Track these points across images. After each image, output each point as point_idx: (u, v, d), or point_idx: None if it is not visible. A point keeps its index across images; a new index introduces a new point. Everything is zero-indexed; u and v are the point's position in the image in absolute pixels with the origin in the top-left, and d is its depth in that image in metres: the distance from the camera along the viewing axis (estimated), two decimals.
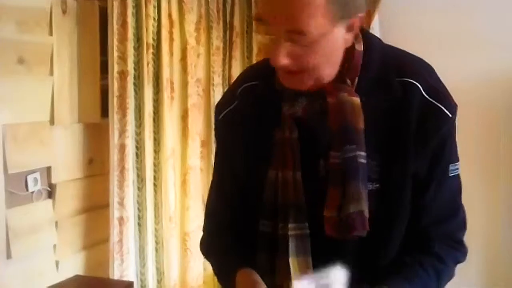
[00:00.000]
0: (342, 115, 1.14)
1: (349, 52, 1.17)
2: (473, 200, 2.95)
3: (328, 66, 1.13)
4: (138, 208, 2.90)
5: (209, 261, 1.38)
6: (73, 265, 2.65)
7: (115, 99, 2.76)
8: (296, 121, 1.17)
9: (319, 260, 1.16)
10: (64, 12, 2.59)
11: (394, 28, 3.20)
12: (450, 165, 1.23)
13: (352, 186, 1.13)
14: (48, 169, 2.52)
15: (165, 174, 2.99)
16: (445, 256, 1.25)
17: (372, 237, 1.16)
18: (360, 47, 1.20)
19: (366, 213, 1.13)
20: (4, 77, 2.27)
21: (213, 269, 1.36)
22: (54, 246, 2.55)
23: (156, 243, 2.99)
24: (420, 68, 1.24)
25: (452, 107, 1.21)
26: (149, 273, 2.95)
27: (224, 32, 3.47)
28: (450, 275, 1.29)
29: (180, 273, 3.15)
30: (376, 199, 1.16)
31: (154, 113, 2.96)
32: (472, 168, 2.97)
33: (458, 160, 1.26)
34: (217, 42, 3.43)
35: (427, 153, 1.19)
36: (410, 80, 1.18)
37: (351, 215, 1.12)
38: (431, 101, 1.18)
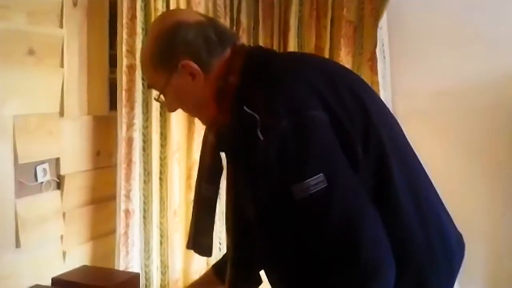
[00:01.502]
0: (214, 153, 1.56)
1: (222, 88, 1.32)
2: (474, 200, 2.99)
3: (198, 108, 1.42)
4: (143, 201, 2.92)
5: None
6: (80, 256, 2.67)
7: (124, 92, 2.77)
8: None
9: None
10: (74, 4, 2.61)
11: (402, 27, 3.22)
12: (297, 185, 1.19)
13: (204, 219, 1.68)
14: (57, 160, 2.53)
15: (170, 168, 3.01)
16: None
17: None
18: (234, 79, 1.28)
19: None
20: (15, 68, 2.28)
21: None
22: (61, 236, 2.57)
23: (161, 236, 3.01)
24: (260, 94, 1.25)
25: (268, 125, 1.20)
26: (154, 265, 2.97)
27: (231, 27, 3.49)
28: None
29: (184, 266, 3.18)
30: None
31: (161, 107, 2.98)
32: (474, 168, 3.00)
33: (318, 172, 1.18)
34: None
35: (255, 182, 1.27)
36: (249, 110, 1.23)
37: (201, 243, 1.74)
38: (249, 128, 1.23)
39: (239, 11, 3.49)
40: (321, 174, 1.15)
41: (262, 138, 1.17)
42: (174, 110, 1.50)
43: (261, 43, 3.52)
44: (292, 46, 3.50)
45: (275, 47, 3.52)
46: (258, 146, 1.17)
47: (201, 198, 1.63)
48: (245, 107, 1.22)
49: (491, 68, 3.03)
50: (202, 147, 1.67)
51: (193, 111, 1.45)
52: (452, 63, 3.06)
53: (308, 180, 1.15)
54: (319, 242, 1.16)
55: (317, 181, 1.15)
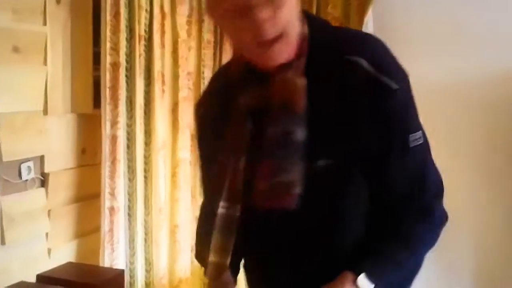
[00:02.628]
0: (283, 93, 1.21)
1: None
2: (462, 198, 3.02)
3: (295, 27, 1.19)
4: (128, 199, 2.92)
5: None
6: (65, 253, 2.67)
7: (107, 90, 2.77)
8: (249, 110, 1.26)
9: (272, 240, 1.30)
10: (58, 1, 2.60)
11: (388, 24, 3.24)
12: (410, 135, 1.25)
13: (284, 158, 1.19)
14: (42, 158, 2.53)
15: (155, 166, 3.02)
16: (414, 233, 1.29)
17: (328, 215, 1.24)
18: (305, 29, 1.24)
19: (297, 187, 1.18)
20: (0, 66, 2.27)
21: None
22: (47, 234, 2.57)
23: (146, 233, 3.01)
24: (364, 44, 1.27)
25: (399, 78, 1.24)
26: (138, 262, 2.97)
27: (216, 25, 3.50)
28: (427, 246, 1.33)
29: (169, 264, 3.18)
30: (329, 177, 1.21)
31: (145, 105, 2.99)
32: (463, 166, 3.04)
33: (419, 129, 1.28)
34: (208, 35, 3.46)
35: (378, 128, 1.21)
36: (354, 57, 1.21)
37: (278, 185, 1.19)
38: (375, 76, 1.20)
39: None
40: (420, 131, 1.27)
41: (397, 87, 1.21)
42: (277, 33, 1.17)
43: None
44: None
45: None
46: (394, 93, 1.21)
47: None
48: (357, 57, 1.22)
49: (478, 68, 3.05)
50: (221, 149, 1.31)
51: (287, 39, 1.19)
52: (439, 61, 3.10)
53: (413, 134, 1.26)
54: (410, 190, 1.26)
55: (418, 136, 1.26)
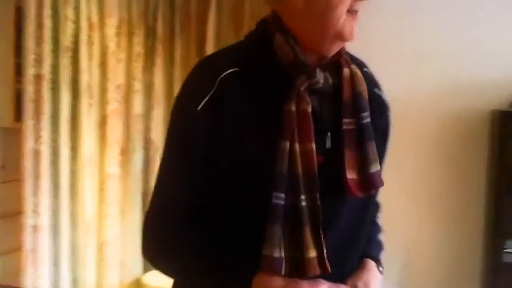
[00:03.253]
0: (354, 85, 1.22)
1: None
2: (400, 209, 3.06)
3: None
4: (53, 216, 2.82)
5: (163, 264, 1.26)
6: None
7: (30, 103, 2.67)
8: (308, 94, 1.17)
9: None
10: None
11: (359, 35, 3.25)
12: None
13: (370, 148, 1.20)
14: None
15: (82, 182, 2.92)
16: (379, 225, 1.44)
17: (363, 215, 1.28)
18: None
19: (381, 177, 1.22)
20: None
21: (178, 270, 1.24)
22: None
23: (72, 251, 2.91)
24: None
25: None
26: (64, 282, 2.86)
27: (146, 37, 3.44)
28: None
29: (97, 282, 3.08)
30: None
31: (71, 119, 2.89)
32: (403, 178, 3.07)
33: None
34: (138, 47, 3.39)
35: (384, 143, 1.32)
36: (369, 70, 1.34)
37: (373, 175, 1.19)
38: (380, 92, 1.34)
39: (155, 20, 3.44)
40: None
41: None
42: None
43: (177, 54, 3.48)
44: None
45: (191, 59, 3.50)
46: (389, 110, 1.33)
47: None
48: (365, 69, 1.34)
49: (440, 80, 3.10)
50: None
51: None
52: (406, 73, 3.11)
53: None
54: None
55: None
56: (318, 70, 1.17)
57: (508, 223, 2.85)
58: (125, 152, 3.24)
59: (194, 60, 3.52)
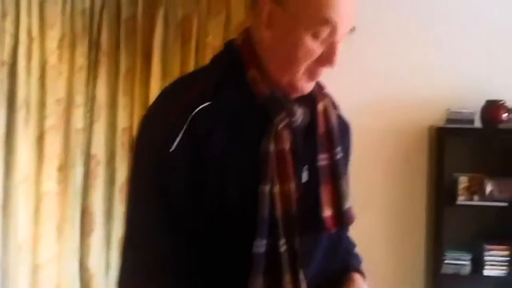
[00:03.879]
0: (328, 119, 1.20)
1: None
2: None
3: None
4: None
5: None
6: None
7: None
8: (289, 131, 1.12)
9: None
10: None
11: None
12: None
13: (343, 185, 1.19)
14: None
15: (15, 200, 2.82)
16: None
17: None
18: None
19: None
20: None
21: None
22: None
23: (3, 274, 2.80)
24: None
25: None
26: None
27: (90, 50, 3.38)
28: None
29: None
30: None
31: (6, 135, 2.80)
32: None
33: None
34: (81, 60, 3.32)
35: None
36: (328, 94, 1.25)
37: (347, 211, 1.18)
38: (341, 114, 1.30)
39: (99, 34, 3.39)
40: None
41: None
42: None
43: (122, 67, 3.42)
44: (156, 71, 3.43)
45: (137, 72, 3.45)
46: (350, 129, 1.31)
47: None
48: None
49: (381, 97, 3.15)
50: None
51: None
52: (339, 89, 3.15)
53: None
54: None
55: None
56: (296, 108, 1.12)
57: (447, 234, 2.92)
58: (64, 167, 3.15)
59: (140, 73, 3.47)
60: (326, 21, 1.05)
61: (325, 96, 1.22)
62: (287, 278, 1.10)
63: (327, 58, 1.08)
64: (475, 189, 2.89)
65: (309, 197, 1.14)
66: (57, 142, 3.09)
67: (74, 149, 3.21)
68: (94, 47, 3.38)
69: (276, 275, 1.09)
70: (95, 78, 3.36)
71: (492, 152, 3.06)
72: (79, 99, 3.27)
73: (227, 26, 3.34)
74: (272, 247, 1.08)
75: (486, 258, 2.88)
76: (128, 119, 3.31)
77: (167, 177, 1.07)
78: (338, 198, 1.18)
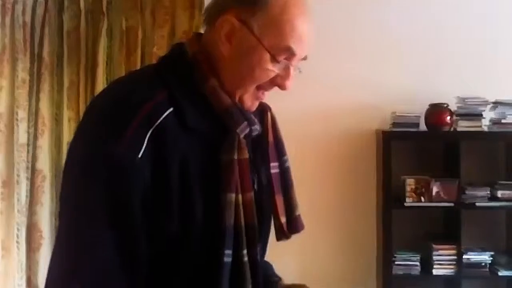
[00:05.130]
0: (276, 129, 1.23)
1: None
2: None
3: None
4: None
5: None
6: None
7: None
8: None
9: None
10: None
11: None
12: None
13: (293, 193, 1.22)
14: None
15: None
16: None
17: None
18: None
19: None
20: None
21: None
22: None
23: None
24: None
25: None
26: None
27: (32, 64, 3.30)
28: None
29: None
30: None
31: None
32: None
33: None
34: (23, 74, 3.24)
35: None
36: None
37: (297, 218, 1.22)
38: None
39: (41, 47, 3.31)
40: None
41: None
42: None
43: (66, 80, 3.35)
44: (101, 84, 3.38)
45: (82, 85, 3.38)
46: None
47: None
48: None
49: (328, 103, 3.18)
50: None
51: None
52: (283, 97, 3.17)
53: None
54: None
55: None
56: (252, 119, 1.13)
57: (397, 236, 2.97)
58: (8, 184, 3.06)
59: (84, 85, 3.41)
60: (288, 49, 1.09)
61: (269, 107, 1.23)
62: (247, 287, 1.10)
63: (281, 80, 1.12)
64: (422, 191, 2.95)
65: (261, 206, 1.15)
66: (0, 158, 2.99)
67: (18, 165, 3.13)
68: (36, 60, 3.31)
69: (239, 285, 1.09)
70: (38, 92, 3.29)
71: (437, 154, 3.16)
72: (22, 113, 3.19)
73: (172, 37, 3.33)
74: (237, 258, 1.08)
75: (434, 258, 2.94)
76: (73, 133, 3.23)
77: (126, 191, 1.01)
78: (289, 206, 1.20)
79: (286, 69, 1.11)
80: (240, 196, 1.09)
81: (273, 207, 1.18)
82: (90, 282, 1.00)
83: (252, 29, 1.07)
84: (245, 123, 1.11)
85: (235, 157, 1.09)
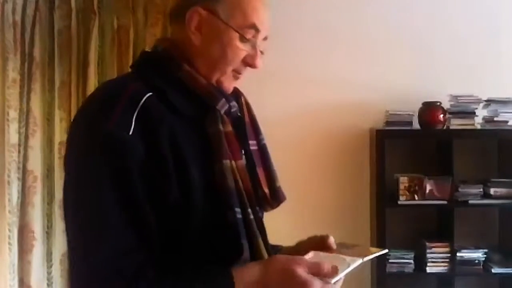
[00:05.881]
0: (250, 110, 1.33)
1: None
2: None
3: None
4: None
5: None
6: None
7: None
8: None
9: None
10: None
11: None
12: None
13: (272, 166, 1.31)
14: None
15: None
16: None
17: None
18: None
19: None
20: None
21: None
22: None
23: None
24: None
25: None
26: None
27: (22, 63, 3.27)
28: None
29: None
30: None
31: None
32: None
33: None
34: (13, 74, 3.21)
35: None
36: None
37: (279, 189, 1.30)
38: None
39: (32, 46, 3.28)
40: None
41: None
42: None
43: (57, 80, 3.32)
44: (92, 84, 3.35)
45: (73, 84, 3.36)
46: None
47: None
48: None
49: (322, 101, 3.18)
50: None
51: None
52: (270, 98, 3.16)
53: None
54: None
55: None
56: (231, 99, 1.25)
57: (390, 234, 2.96)
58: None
59: (75, 85, 3.38)
60: (253, 25, 1.22)
61: (242, 92, 1.34)
62: (259, 242, 1.18)
63: (251, 60, 1.24)
64: (416, 189, 2.96)
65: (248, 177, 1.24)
66: None
67: (9, 165, 3.11)
68: (27, 59, 3.28)
69: (253, 241, 1.17)
70: (29, 91, 3.26)
71: (430, 153, 3.16)
72: (13, 114, 3.17)
73: (164, 36, 3.30)
74: (245, 215, 1.17)
75: (428, 256, 2.95)
76: (65, 133, 3.22)
77: (127, 162, 1.09)
78: (270, 177, 1.30)
79: (253, 48, 1.23)
80: (233, 163, 1.18)
81: (256, 178, 1.26)
82: (105, 257, 1.07)
83: (219, 15, 1.20)
84: (223, 99, 1.21)
85: (221, 128, 1.19)
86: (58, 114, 3.26)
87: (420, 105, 3.00)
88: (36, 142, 3.19)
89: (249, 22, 1.21)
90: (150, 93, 1.14)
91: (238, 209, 1.16)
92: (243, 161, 1.22)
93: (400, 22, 3.19)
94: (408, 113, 3.02)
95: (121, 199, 1.08)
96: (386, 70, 3.17)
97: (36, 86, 3.27)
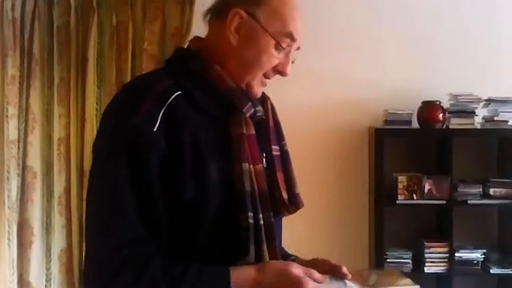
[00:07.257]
0: (274, 116, 1.35)
1: None
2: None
3: None
4: None
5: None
6: None
7: None
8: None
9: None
10: None
11: None
12: None
13: (292, 172, 1.33)
14: None
15: None
16: None
17: None
18: None
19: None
20: None
21: None
22: None
23: None
24: None
25: None
26: None
27: (22, 60, 3.27)
28: None
29: None
30: None
31: None
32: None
33: None
34: (13, 70, 3.20)
35: None
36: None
37: (298, 195, 1.32)
38: None
39: (31, 42, 3.28)
40: None
41: None
42: None
43: (56, 76, 3.32)
44: (91, 80, 3.34)
45: (72, 81, 3.35)
46: None
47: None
48: None
49: (321, 99, 3.18)
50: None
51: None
52: (282, 94, 3.17)
53: None
54: None
55: None
56: (257, 103, 1.27)
57: (389, 233, 2.95)
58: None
59: (75, 82, 3.37)
60: (290, 34, 1.24)
61: (268, 97, 1.36)
62: (264, 248, 1.20)
63: (282, 67, 1.26)
64: (414, 188, 2.95)
65: (268, 182, 1.25)
66: None
67: (8, 161, 3.12)
68: (26, 56, 3.28)
69: (259, 246, 1.19)
70: (28, 88, 3.26)
71: (429, 152, 3.15)
72: (12, 110, 3.17)
73: (162, 33, 3.30)
74: (256, 220, 1.19)
75: (426, 255, 2.95)
76: (64, 129, 3.23)
77: (149, 157, 1.13)
78: (289, 183, 1.31)
79: (286, 56, 1.26)
80: (251, 167, 1.20)
81: (275, 183, 1.28)
82: (118, 244, 1.10)
83: (259, 20, 1.22)
84: (250, 103, 1.23)
85: (244, 131, 1.21)
86: (57, 110, 3.26)
87: (419, 104, 2.99)
88: (35, 138, 3.19)
89: (286, 30, 1.24)
90: (179, 92, 1.18)
91: (251, 214, 1.19)
92: (262, 166, 1.24)
93: (399, 21, 3.18)
94: (407, 112, 3.01)
95: (137, 191, 1.12)
96: (386, 68, 3.17)
97: (35, 83, 3.26)
